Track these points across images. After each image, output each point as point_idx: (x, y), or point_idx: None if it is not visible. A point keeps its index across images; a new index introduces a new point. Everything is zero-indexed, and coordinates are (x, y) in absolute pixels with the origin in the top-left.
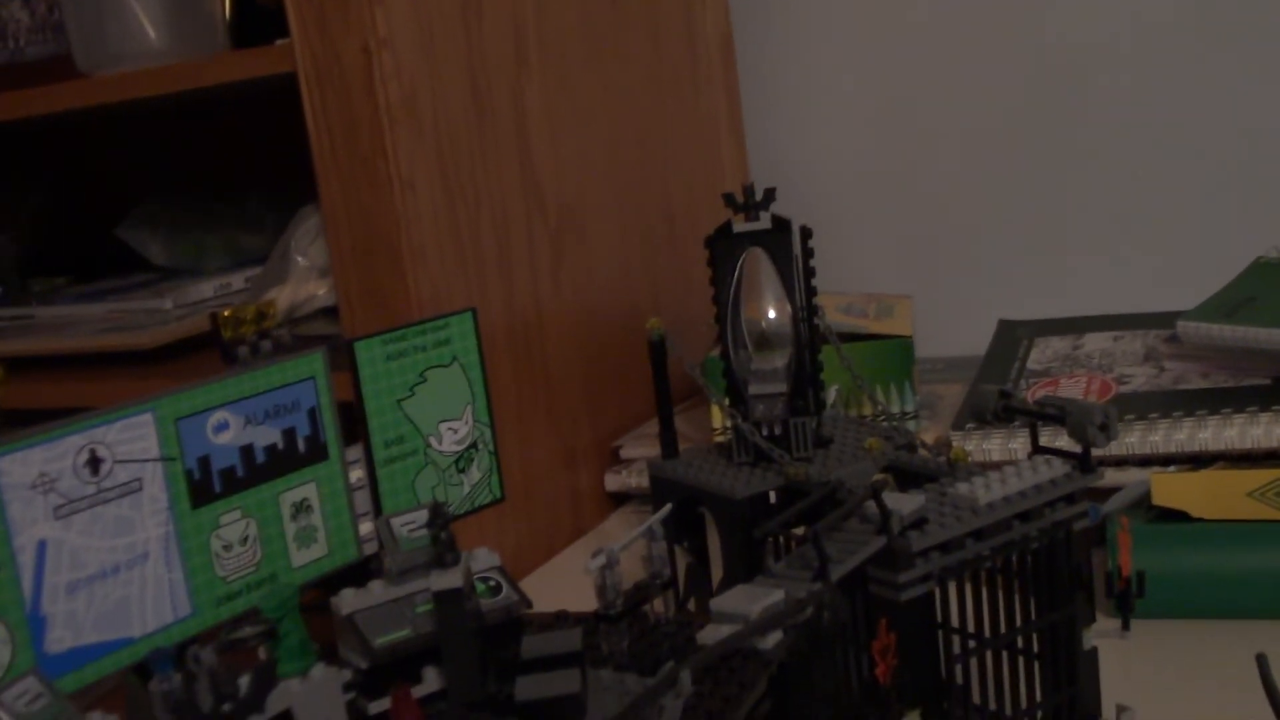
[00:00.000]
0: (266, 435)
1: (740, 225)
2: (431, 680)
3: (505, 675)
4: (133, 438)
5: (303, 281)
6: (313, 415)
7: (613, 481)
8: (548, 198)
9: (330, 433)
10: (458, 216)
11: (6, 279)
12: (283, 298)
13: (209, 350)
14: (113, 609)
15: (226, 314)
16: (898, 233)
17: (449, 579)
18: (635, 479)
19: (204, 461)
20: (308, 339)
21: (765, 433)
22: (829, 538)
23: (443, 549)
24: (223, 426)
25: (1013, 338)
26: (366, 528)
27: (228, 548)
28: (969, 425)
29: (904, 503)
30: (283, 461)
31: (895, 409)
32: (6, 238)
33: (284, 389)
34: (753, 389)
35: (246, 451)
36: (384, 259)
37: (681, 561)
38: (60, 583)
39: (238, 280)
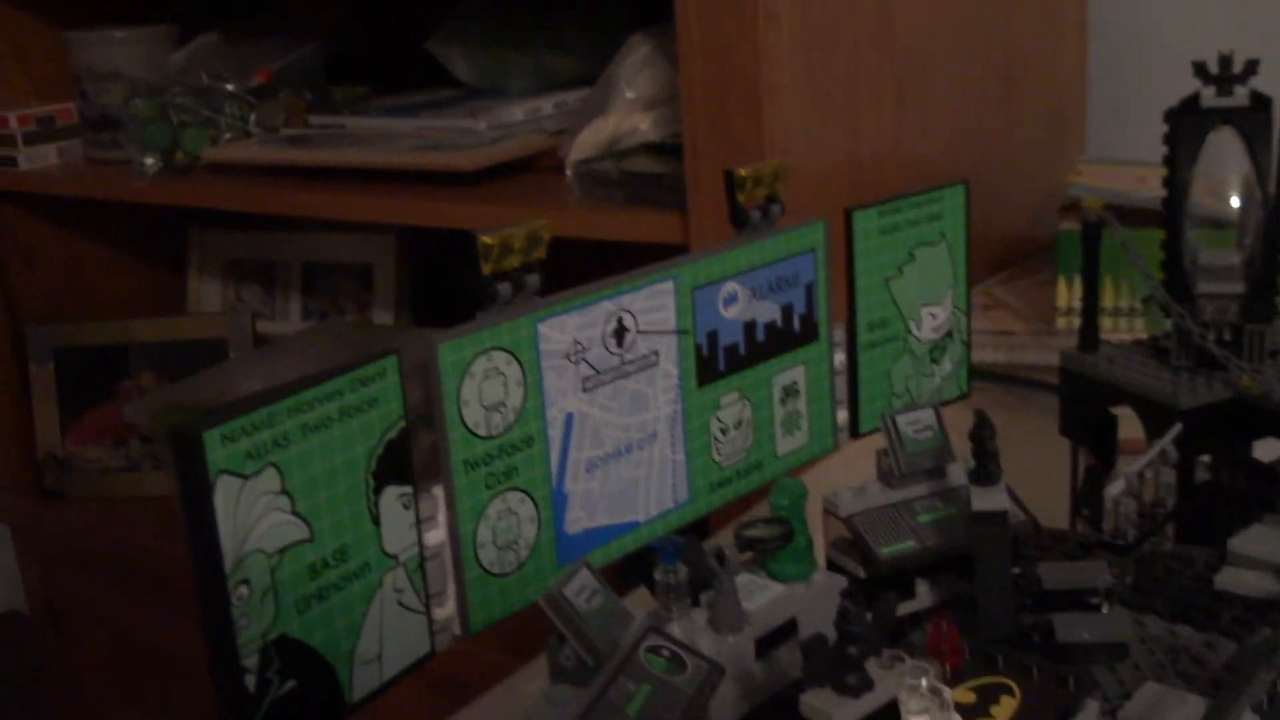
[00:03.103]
0: (768, 311)
1: (1210, 100)
2: (924, 594)
3: (1020, 605)
4: (654, 307)
5: (627, 114)
6: (809, 291)
7: None
8: (898, 38)
9: (823, 311)
10: (812, 55)
11: (314, 86)
12: (605, 130)
13: (520, 175)
14: (622, 491)
15: (744, 174)
16: None
17: (993, 499)
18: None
19: (712, 337)
20: (636, 176)
21: (1214, 337)
22: None
23: (986, 462)
24: (732, 299)
25: None
26: (840, 417)
27: (724, 431)
28: None
29: None
30: (779, 340)
31: None
32: (313, 45)
33: (787, 261)
34: (1203, 286)
35: (749, 328)
36: (739, 95)
37: (1082, 462)
38: (582, 460)
39: (547, 105)
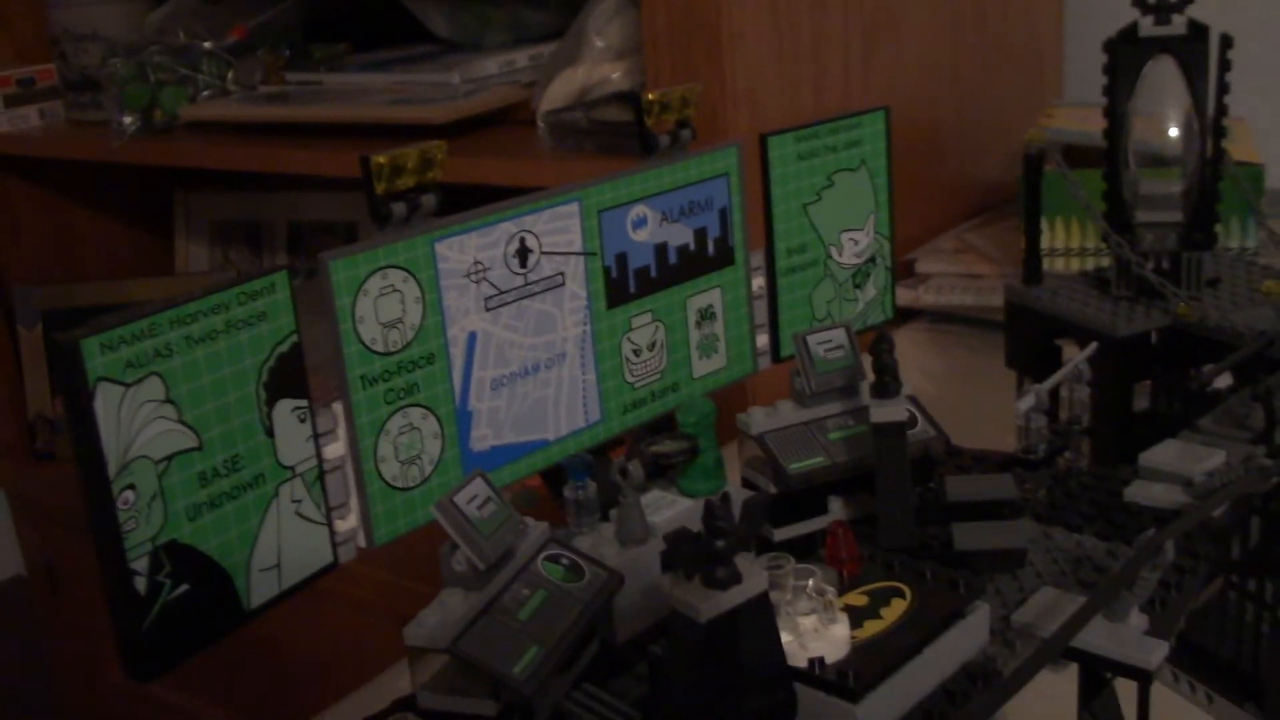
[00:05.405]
0: (680, 234)
1: (1148, 29)
2: (837, 511)
3: (925, 517)
4: (558, 229)
5: (597, 63)
6: (723, 215)
7: (904, 296)
8: None
9: (739, 236)
10: (776, 1)
11: (292, 44)
12: (575, 80)
13: (495, 128)
14: (530, 410)
15: (651, 97)
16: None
17: (892, 410)
18: (931, 295)
19: (621, 259)
20: (606, 125)
21: (1152, 266)
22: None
23: (885, 376)
24: (641, 222)
25: None
26: (760, 340)
27: (637, 352)
28: None
29: None
30: (692, 264)
31: (1234, 244)
32: (290, 2)
33: (699, 185)
34: (1142, 215)
35: (660, 251)
36: (701, 41)
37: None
38: (486, 378)
39: (521, 58)
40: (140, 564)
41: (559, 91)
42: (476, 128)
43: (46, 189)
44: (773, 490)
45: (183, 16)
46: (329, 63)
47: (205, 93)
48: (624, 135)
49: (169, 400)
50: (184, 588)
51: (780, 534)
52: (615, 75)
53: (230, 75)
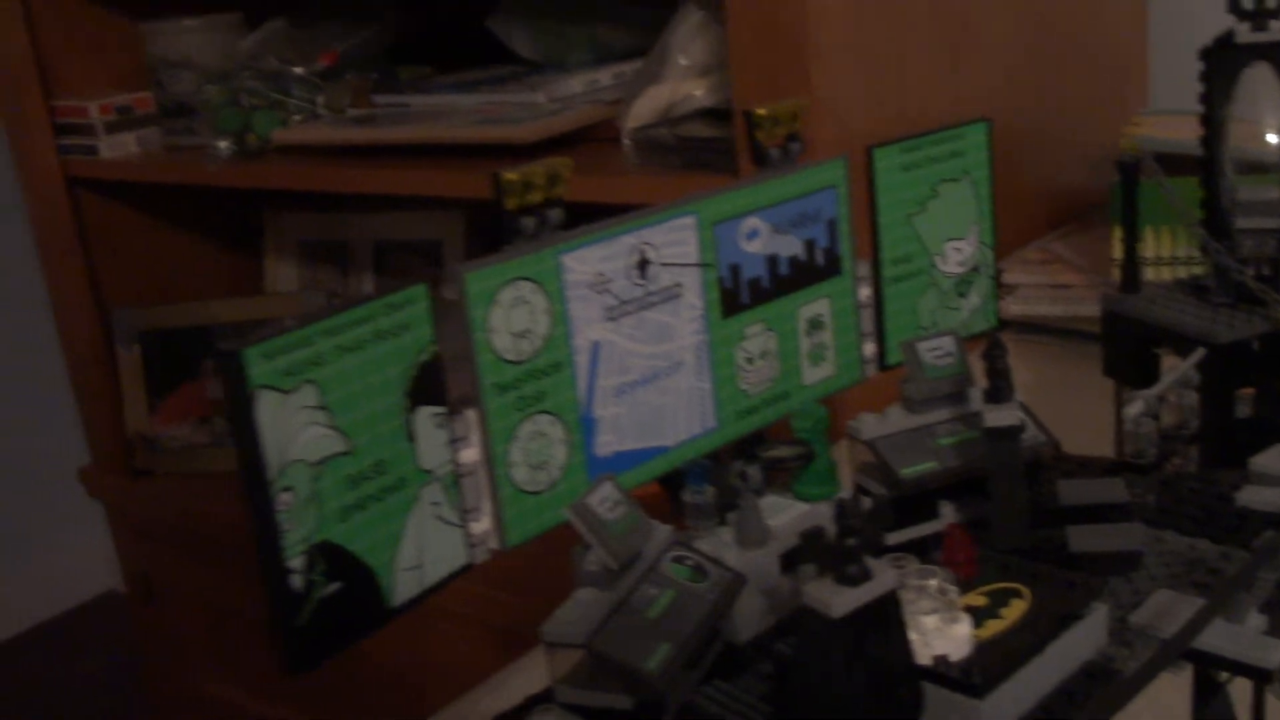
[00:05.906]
0: (790, 245)
1: (1246, 36)
2: (948, 515)
3: (1037, 520)
4: (675, 241)
5: (681, 80)
6: (831, 227)
7: None
8: None
9: (845, 246)
10: (861, 14)
11: (379, 67)
12: (660, 97)
13: (580, 146)
14: (650, 416)
15: (762, 113)
16: None
17: (1005, 415)
18: (1018, 305)
19: (735, 270)
20: (691, 141)
21: (1252, 272)
22: None
23: (998, 381)
24: (753, 234)
25: None
26: (868, 349)
27: (750, 361)
28: None
29: None
30: (802, 274)
31: None
32: (377, 27)
33: (808, 197)
34: (1241, 222)
35: (771, 262)
36: (786, 56)
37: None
38: (610, 386)
39: (605, 76)
40: (296, 562)
41: (644, 109)
42: (562, 146)
43: (144, 213)
44: (884, 494)
45: (273, 43)
46: (415, 85)
47: (296, 117)
48: (711, 151)
49: (322, 407)
50: (335, 585)
51: (893, 537)
52: (699, 92)
53: (320, 99)
